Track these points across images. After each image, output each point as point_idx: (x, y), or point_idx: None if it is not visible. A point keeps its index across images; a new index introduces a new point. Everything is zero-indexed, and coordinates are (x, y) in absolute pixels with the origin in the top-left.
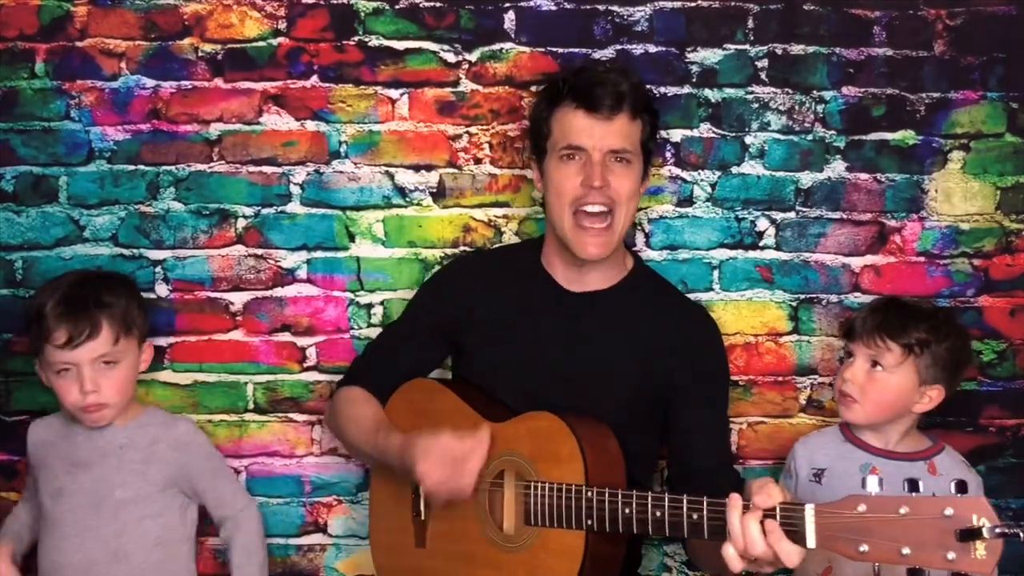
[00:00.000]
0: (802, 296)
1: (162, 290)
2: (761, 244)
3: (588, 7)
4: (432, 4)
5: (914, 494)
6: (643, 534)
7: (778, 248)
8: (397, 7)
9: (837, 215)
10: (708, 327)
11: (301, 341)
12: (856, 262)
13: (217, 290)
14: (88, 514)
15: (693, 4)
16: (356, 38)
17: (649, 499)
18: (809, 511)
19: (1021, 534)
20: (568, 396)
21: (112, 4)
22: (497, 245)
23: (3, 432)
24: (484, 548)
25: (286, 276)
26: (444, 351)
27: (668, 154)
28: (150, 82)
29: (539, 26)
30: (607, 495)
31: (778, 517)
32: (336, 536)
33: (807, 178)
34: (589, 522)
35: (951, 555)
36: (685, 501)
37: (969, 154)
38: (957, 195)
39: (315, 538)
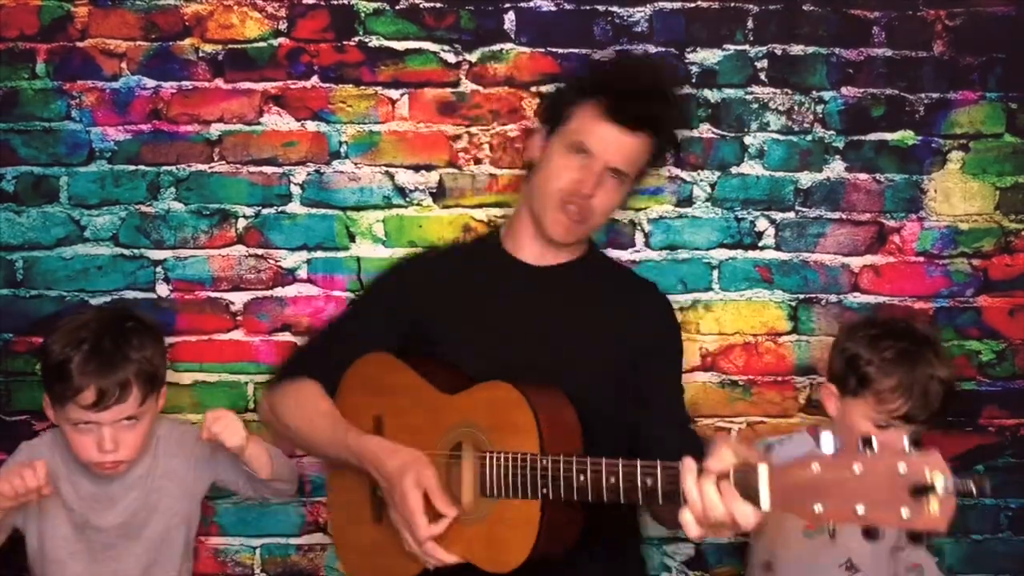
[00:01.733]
0: (801, 296)
1: (162, 290)
2: (760, 244)
3: (588, 7)
4: (432, 4)
5: (869, 452)
6: (600, 503)
7: (777, 248)
8: (397, 8)
9: (836, 215)
10: (662, 301)
11: (301, 341)
12: (855, 262)
13: (217, 290)
14: (117, 539)
15: (693, 4)
16: (356, 38)
17: (604, 465)
18: (763, 471)
19: (974, 487)
20: (533, 367)
21: (113, 4)
22: (451, 243)
23: (3, 432)
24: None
25: (286, 276)
26: (398, 343)
27: (668, 154)
28: (151, 82)
29: (539, 26)
30: (562, 462)
31: (732, 479)
32: None
33: (806, 178)
34: (544, 491)
35: (905, 512)
36: (639, 466)
37: (968, 154)
38: (956, 195)
39: (315, 538)
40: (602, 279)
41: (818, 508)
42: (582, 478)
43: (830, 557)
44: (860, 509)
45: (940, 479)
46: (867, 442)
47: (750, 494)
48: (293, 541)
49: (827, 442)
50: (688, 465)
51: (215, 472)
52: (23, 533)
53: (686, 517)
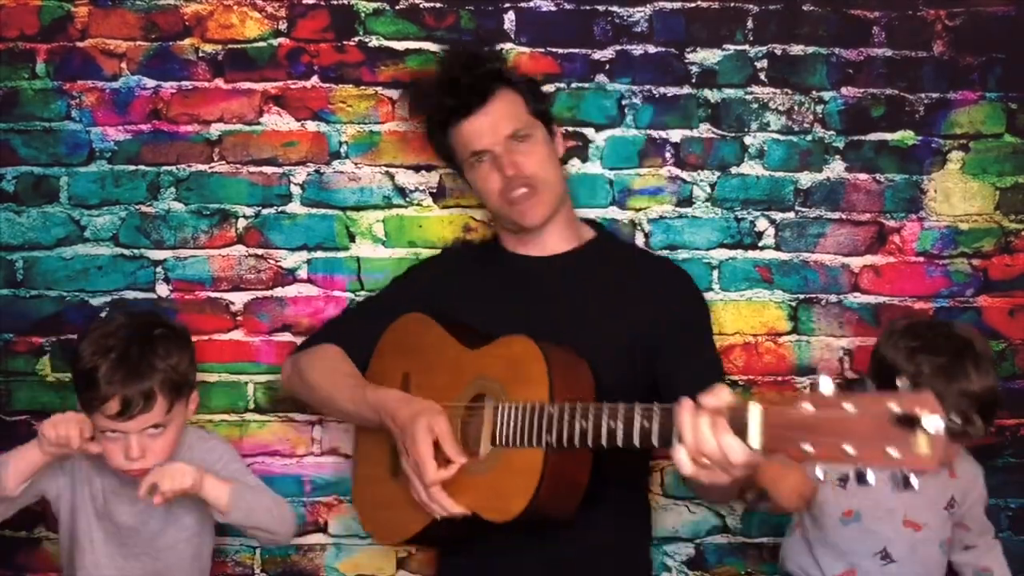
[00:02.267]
0: (801, 296)
1: (163, 290)
2: (760, 244)
3: (588, 7)
4: (432, 5)
5: (862, 391)
6: (600, 449)
7: (777, 248)
8: (397, 7)
9: (836, 215)
10: (679, 275)
11: (301, 341)
12: (855, 262)
13: (218, 290)
14: (131, 535)
15: (693, 4)
16: (356, 38)
17: (605, 410)
18: (755, 409)
19: (966, 426)
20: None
21: (113, 4)
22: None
23: (3, 432)
24: (456, 474)
25: (286, 276)
26: None
27: (668, 154)
28: (151, 82)
29: (539, 26)
30: (566, 410)
31: (726, 416)
32: (336, 536)
33: (806, 178)
34: (548, 438)
35: (893, 451)
36: (637, 408)
37: (968, 154)
38: (956, 195)
39: (315, 538)
40: (613, 260)
41: (807, 447)
42: (584, 423)
43: (865, 545)
44: (848, 448)
45: (929, 416)
46: (860, 382)
47: (740, 432)
48: (293, 541)
49: (825, 384)
50: (685, 403)
51: None
52: (51, 508)
53: (679, 454)
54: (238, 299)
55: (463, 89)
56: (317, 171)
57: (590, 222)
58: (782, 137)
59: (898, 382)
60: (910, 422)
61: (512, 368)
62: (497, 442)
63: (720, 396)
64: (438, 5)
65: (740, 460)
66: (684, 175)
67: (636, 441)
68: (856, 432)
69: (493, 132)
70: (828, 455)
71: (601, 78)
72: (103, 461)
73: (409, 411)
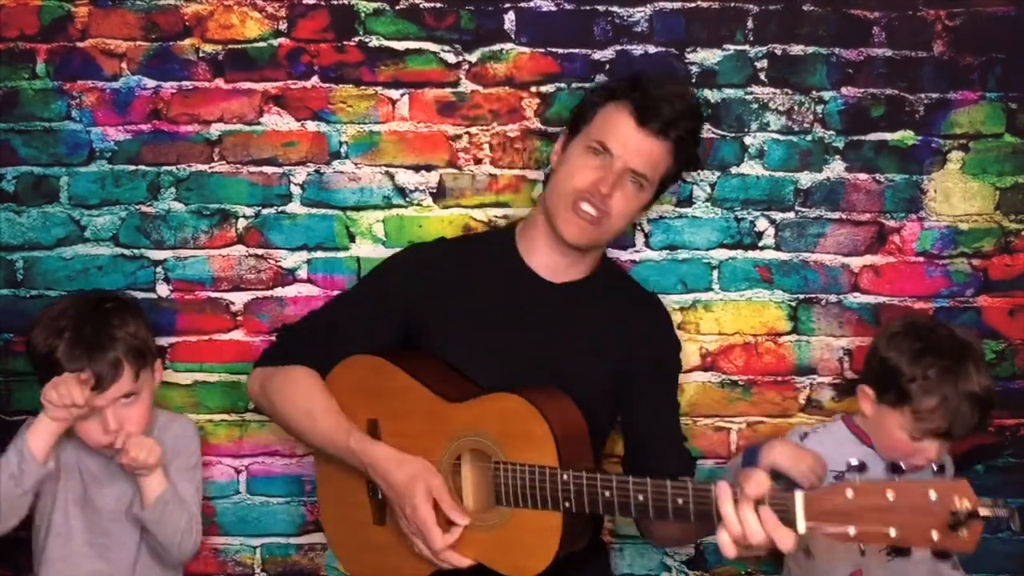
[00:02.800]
0: (801, 296)
1: (163, 290)
2: (760, 244)
3: (588, 7)
4: (432, 5)
5: (897, 478)
6: (625, 514)
7: (777, 248)
8: (397, 8)
9: (836, 215)
10: (666, 317)
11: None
12: (855, 262)
13: (218, 290)
14: (111, 524)
15: (693, 4)
16: (356, 38)
17: (631, 484)
18: (799, 498)
19: (1006, 517)
20: (532, 377)
21: (113, 4)
22: (462, 235)
23: (3, 432)
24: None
25: (287, 276)
26: (395, 334)
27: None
28: (151, 82)
29: (539, 26)
30: (585, 479)
31: (768, 504)
32: None
33: (806, 178)
34: (567, 504)
35: (935, 535)
36: (669, 486)
37: (968, 154)
38: (956, 195)
39: (315, 538)
40: (607, 297)
41: (851, 531)
42: (607, 494)
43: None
44: (892, 532)
45: (967, 506)
46: (895, 468)
47: (786, 518)
48: (293, 541)
49: (849, 465)
50: (723, 489)
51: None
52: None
53: (724, 538)
54: (238, 299)
55: (665, 108)
56: (317, 171)
57: None
58: (782, 137)
59: (933, 468)
60: (959, 520)
61: (506, 425)
62: (503, 501)
63: (762, 484)
64: (438, 5)
65: (791, 548)
66: (684, 175)
67: (671, 515)
68: (898, 518)
69: (635, 153)
70: (872, 539)
71: (601, 78)
72: (85, 447)
73: (404, 474)
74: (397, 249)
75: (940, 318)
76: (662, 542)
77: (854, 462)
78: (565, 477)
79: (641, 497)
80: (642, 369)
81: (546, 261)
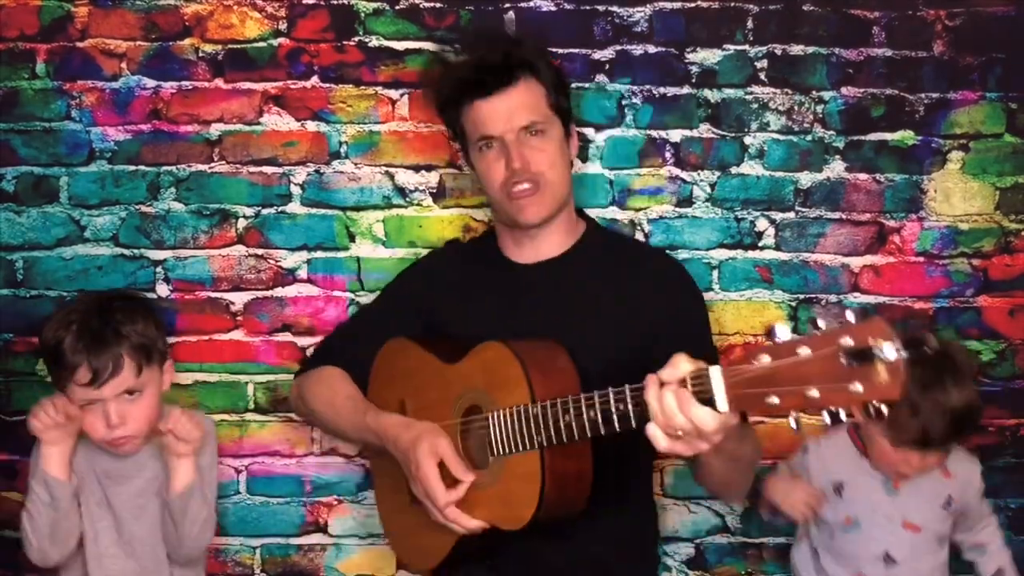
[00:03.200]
0: (801, 296)
1: (163, 290)
2: (760, 244)
3: (588, 7)
4: (432, 4)
5: (813, 332)
6: (586, 438)
7: (777, 248)
8: (397, 8)
9: (836, 215)
10: (673, 269)
11: (302, 341)
12: (855, 262)
13: (218, 290)
14: (132, 522)
15: (693, 4)
16: (356, 38)
17: (582, 400)
18: (715, 373)
19: (915, 344)
20: None
21: (113, 5)
22: (473, 236)
23: (3, 432)
24: (468, 491)
25: (286, 276)
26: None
27: (668, 154)
28: (151, 82)
29: (539, 26)
30: (548, 407)
31: (689, 385)
32: (336, 536)
33: (806, 178)
34: (539, 438)
35: (856, 387)
36: (611, 393)
37: (968, 154)
38: (956, 195)
39: (315, 538)
40: (605, 257)
41: (773, 400)
42: (567, 417)
43: (867, 550)
44: (813, 392)
45: (884, 343)
46: (814, 323)
47: (707, 400)
48: (293, 541)
49: (783, 331)
50: (650, 379)
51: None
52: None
53: (652, 430)
54: (238, 299)
55: (488, 68)
56: (317, 171)
57: (578, 211)
58: (782, 137)
59: (847, 314)
60: (865, 355)
61: (490, 375)
62: (495, 452)
63: (679, 366)
64: (438, 5)
65: (712, 427)
66: (684, 175)
67: (617, 426)
68: (816, 375)
69: (508, 120)
70: (794, 404)
71: (601, 78)
72: (95, 448)
73: (409, 436)
74: (397, 249)
75: (940, 318)
76: (714, 488)
77: (781, 329)
78: (534, 411)
79: (592, 412)
80: (663, 330)
81: (519, 248)
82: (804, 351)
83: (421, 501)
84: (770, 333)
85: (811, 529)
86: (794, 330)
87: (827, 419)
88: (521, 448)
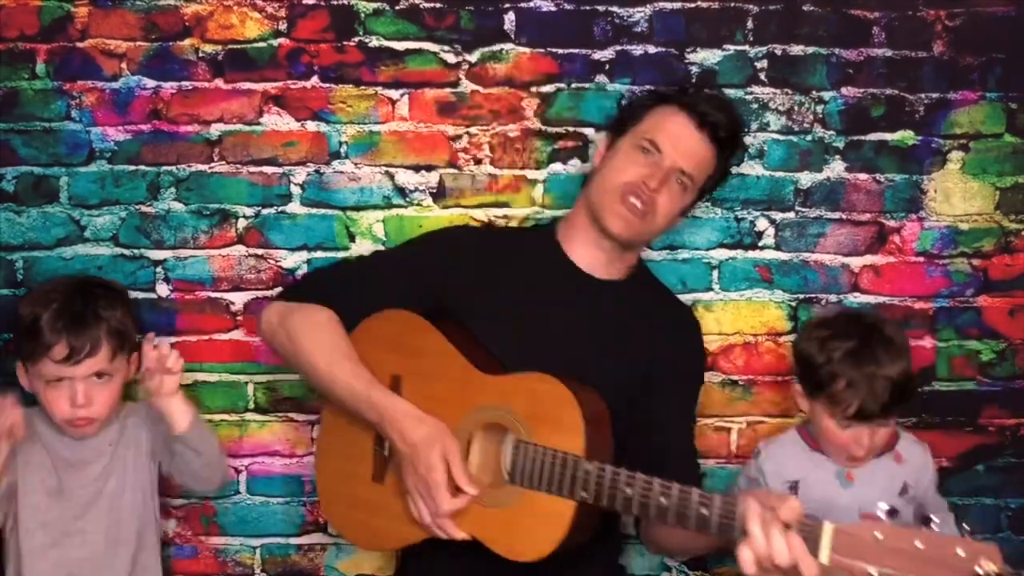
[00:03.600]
0: (801, 296)
1: (163, 290)
2: (760, 244)
3: (588, 8)
4: (432, 5)
5: (926, 529)
6: (645, 515)
7: (777, 248)
8: (397, 8)
9: (836, 215)
10: (696, 327)
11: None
12: (855, 262)
13: (218, 290)
14: (86, 508)
15: (693, 5)
16: (356, 39)
17: (656, 485)
18: (827, 529)
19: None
20: (556, 368)
21: (113, 5)
22: (507, 226)
23: None
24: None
25: (287, 276)
26: (419, 304)
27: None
28: (151, 82)
29: (539, 27)
30: (609, 472)
31: (796, 528)
32: (336, 536)
33: (806, 178)
34: (584, 494)
35: None
36: (695, 494)
37: (968, 154)
38: (956, 195)
39: (315, 538)
40: (641, 300)
41: (873, 571)
42: (628, 491)
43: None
44: None
45: (988, 566)
46: (926, 520)
47: (810, 547)
48: (293, 541)
49: (882, 510)
50: (754, 506)
51: (157, 444)
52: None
53: (746, 555)
54: (238, 299)
55: (713, 114)
56: (317, 171)
57: None
58: (782, 137)
59: (966, 528)
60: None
61: (536, 406)
62: (517, 480)
63: (794, 509)
64: (438, 5)
65: (815, 573)
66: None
67: (692, 524)
68: (923, 568)
69: (680, 152)
70: None
71: (601, 78)
72: (55, 434)
73: (423, 432)
74: None
75: (940, 318)
76: (660, 549)
77: (884, 507)
78: (588, 467)
79: (664, 501)
80: (662, 372)
81: (587, 256)
82: (919, 544)
83: (410, 493)
84: (888, 513)
85: None
86: (795, 330)
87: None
88: (556, 492)
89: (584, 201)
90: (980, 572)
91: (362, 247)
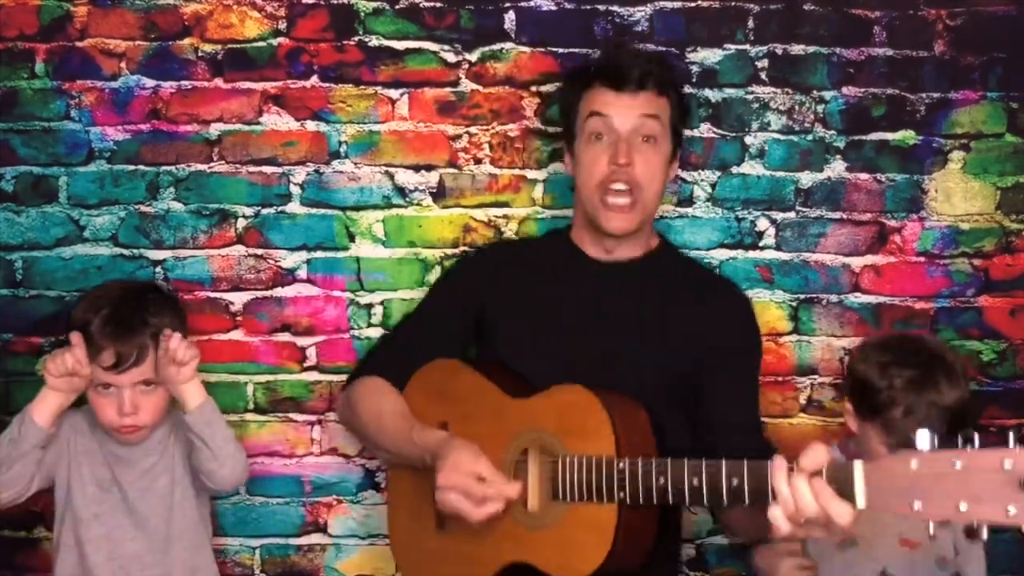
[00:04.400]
0: (802, 296)
1: None
2: (761, 244)
3: (588, 7)
4: (432, 4)
5: (969, 448)
6: (679, 504)
7: (778, 248)
8: (397, 7)
9: (837, 215)
10: (737, 299)
11: (301, 341)
12: (856, 262)
13: (217, 290)
14: (139, 503)
15: (693, 4)
16: (356, 38)
17: (686, 466)
18: (858, 468)
19: None
20: (599, 365)
21: (112, 4)
22: (520, 237)
23: (3, 432)
24: (509, 527)
25: (286, 276)
26: (466, 337)
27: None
28: (150, 82)
29: (539, 26)
30: (640, 465)
31: (825, 476)
32: (336, 536)
33: (807, 178)
34: (621, 494)
35: (1012, 508)
36: (724, 465)
37: (969, 154)
38: (957, 195)
39: (315, 538)
40: (673, 276)
41: (917, 505)
42: (662, 480)
43: (865, 569)
44: (962, 506)
45: None
46: (967, 439)
47: (845, 492)
48: (293, 541)
49: (923, 439)
50: (779, 463)
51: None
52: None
53: (775, 513)
54: (238, 299)
55: (631, 68)
56: (317, 171)
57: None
58: (783, 137)
59: (1011, 437)
60: None
61: (566, 419)
62: (560, 496)
63: (818, 455)
64: (438, 5)
65: (848, 522)
66: (685, 175)
67: (725, 500)
68: (969, 490)
69: (624, 118)
70: (940, 514)
71: None
72: (100, 436)
73: (450, 447)
74: (397, 249)
75: (941, 318)
76: (740, 535)
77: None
78: (620, 465)
79: (696, 480)
80: (716, 356)
81: (597, 247)
82: (959, 463)
83: (451, 516)
84: (911, 442)
85: (807, 547)
86: (795, 330)
87: (963, 533)
88: (595, 498)
89: (579, 207)
90: None
91: (362, 247)
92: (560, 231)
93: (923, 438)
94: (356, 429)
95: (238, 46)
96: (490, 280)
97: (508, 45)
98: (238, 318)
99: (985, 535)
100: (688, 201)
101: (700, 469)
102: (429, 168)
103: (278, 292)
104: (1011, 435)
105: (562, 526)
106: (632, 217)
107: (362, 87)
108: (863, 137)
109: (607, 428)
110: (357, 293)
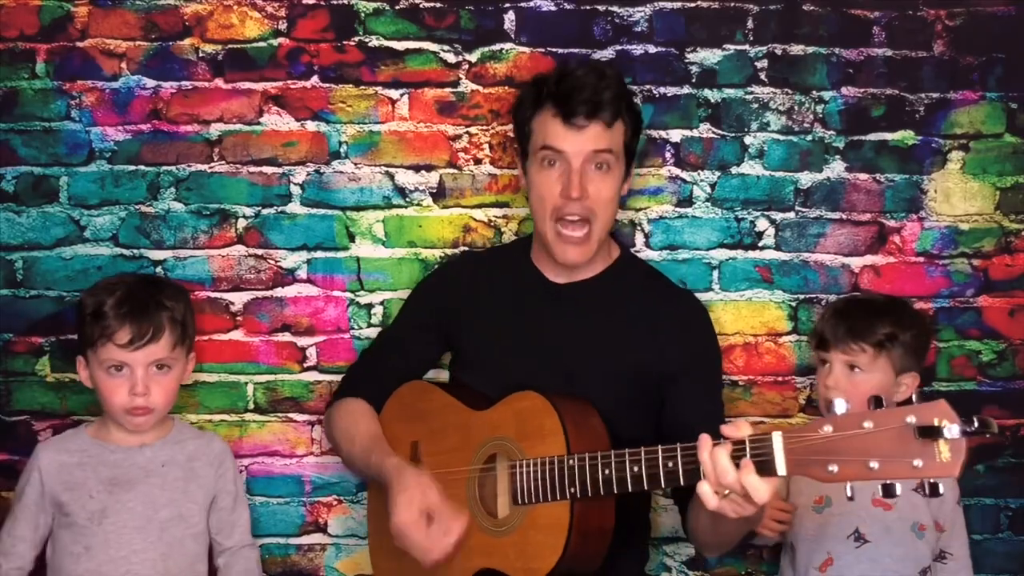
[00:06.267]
0: (801, 296)
1: None
2: (760, 244)
3: (588, 7)
4: (432, 4)
5: (878, 409)
6: (626, 493)
7: (777, 248)
8: (397, 7)
9: (836, 215)
10: (694, 310)
11: (301, 341)
12: (855, 262)
13: (217, 290)
14: (134, 535)
15: (693, 4)
16: (356, 38)
17: (627, 456)
18: (777, 438)
19: (980, 426)
20: (560, 386)
21: (113, 4)
22: (491, 246)
23: (3, 432)
24: (476, 536)
25: (286, 276)
26: (439, 350)
27: (668, 154)
28: (150, 82)
29: (539, 26)
30: (587, 459)
31: (748, 449)
32: (336, 536)
33: (806, 178)
34: (572, 490)
35: (917, 462)
36: (660, 451)
37: (968, 154)
38: (956, 195)
39: (315, 538)
40: (630, 291)
41: (832, 468)
42: (607, 471)
43: (839, 529)
44: (873, 464)
45: (947, 424)
46: (877, 401)
47: (766, 462)
48: (293, 541)
49: (840, 406)
50: (704, 438)
51: (216, 495)
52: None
53: (703, 489)
54: (238, 299)
55: (579, 101)
56: (317, 171)
57: (612, 238)
58: (782, 137)
59: (913, 397)
60: (931, 432)
61: (522, 424)
62: (519, 500)
63: (740, 427)
64: (438, 5)
65: (764, 498)
66: (684, 175)
67: (663, 482)
68: (878, 448)
69: (579, 145)
70: (853, 474)
71: None
72: (100, 456)
73: (401, 483)
74: (397, 249)
75: (940, 318)
76: (702, 546)
77: (843, 405)
78: (570, 462)
79: (636, 468)
80: (674, 369)
81: (555, 267)
82: (868, 424)
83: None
84: (829, 407)
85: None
86: (795, 330)
87: (880, 491)
88: (549, 497)
89: (536, 229)
90: (936, 427)
91: (362, 247)
92: (525, 244)
93: (840, 405)
94: (335, 447)
95: (238, 46)
96: (457, 295)
97: (508, 45)
98: (238, 318)
99: (899, 491)
100: (688, 201)
101: (639, 456)
102: (429, 168)
103: (278, 292)
104: (913, 396)
105: (523, 529)
106: (587, 249)
107: (362, 87)
108: (862, 137)
109: (558, 429)
110: (357, 293)
